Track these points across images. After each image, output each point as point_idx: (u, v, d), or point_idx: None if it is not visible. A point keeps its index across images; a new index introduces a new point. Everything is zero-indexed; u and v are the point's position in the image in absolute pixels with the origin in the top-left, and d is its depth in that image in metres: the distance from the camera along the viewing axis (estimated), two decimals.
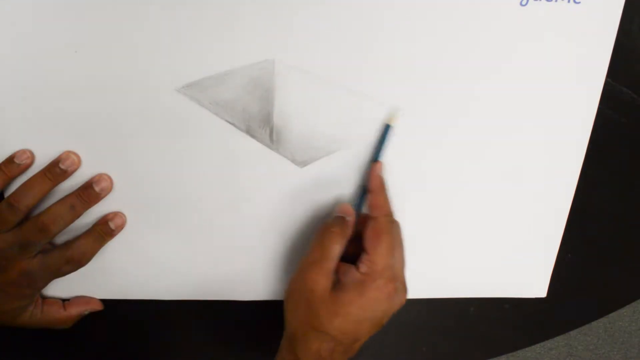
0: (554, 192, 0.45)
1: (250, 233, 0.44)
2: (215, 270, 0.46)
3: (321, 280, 0.38)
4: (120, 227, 0.42)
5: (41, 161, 0.40)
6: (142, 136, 0.40)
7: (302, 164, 0.42)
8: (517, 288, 0.49)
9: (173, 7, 0.37)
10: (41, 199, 0.40)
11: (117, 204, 0.42)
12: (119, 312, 0.47)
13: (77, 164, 0.40)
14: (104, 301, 0.46)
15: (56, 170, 0.39)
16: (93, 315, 0.46)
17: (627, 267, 0.52)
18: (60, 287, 0.45)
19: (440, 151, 0.43)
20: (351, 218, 0.40)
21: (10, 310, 0.41)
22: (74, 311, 0.44)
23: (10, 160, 0.39)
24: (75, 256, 0.41)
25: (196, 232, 0.44)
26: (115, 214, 0.42)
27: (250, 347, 0.51)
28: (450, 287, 0.49)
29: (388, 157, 0.42)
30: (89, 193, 0.40)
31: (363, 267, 0.38)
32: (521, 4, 0.38)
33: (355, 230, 0.41)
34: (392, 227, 0.39)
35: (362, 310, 0.38)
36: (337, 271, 0.39)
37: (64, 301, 0.45)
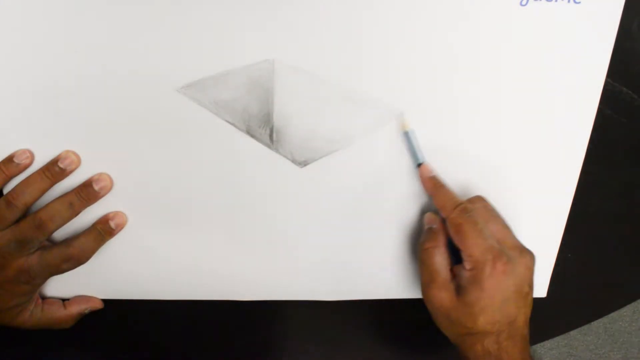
0: (554, 192, 0.45)
1: (250, 233, 0.44)
2: (215, 270, 0.46)
3: (442, 295, 0.39)
4: (121, 226, 0.42)
5: (41, 161, 0.40)
6: (142, 136, 0.40)
7: (302, 164, 0.42)
8: None
9: (173, 7, 0.37)
10: (39, 197, 0.40)
11: (117, 203, 0.42)
12: (119, 312, 0.47)
13: (76, 164, 0.40)
14: (104, 301, 0.46)
15: (55, 169, 0.39)
16: (93, 315, 0.46)
17: (627, 267, 0.52)
18: (60, 287, 0.45)
19: (440, 151, 0.43)
20: (437, 225, 0.42)
21: (9, 308, 0.41)
22: (74, 310, 0.45)
23: (9, 159, 0.39)
24: (75, 254, 0.41)
25: (196, 232, 0.44)
26: (116, 214, 0.42)
27: (250, 347, 0.51)
28: None
29: (387, 157, 0.42)
30: (88, 191, 0.40)
31: (467, 264, 0.39)
32: (521, 4, 0.38)
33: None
34: (466, 215, 0.39)
35: (494, 299, 0.38)
36: (455, 276, 0.40)
37: (64, 301, 0.45)
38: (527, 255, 0.40)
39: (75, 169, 0.40)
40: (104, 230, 0.42)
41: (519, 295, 0.39)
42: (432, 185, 0.42)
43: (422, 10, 0.38)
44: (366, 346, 0.53)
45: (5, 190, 0.40)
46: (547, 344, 1.20)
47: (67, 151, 0.40)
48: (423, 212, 0.45)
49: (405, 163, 0.43)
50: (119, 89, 0.39)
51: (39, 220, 0.39)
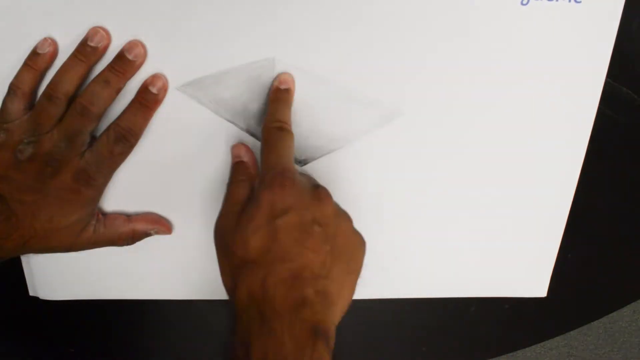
0: (554, 192, 0.45)
1: None
2: (215, 270, 0.46)
3: (226, 219, 0.35)
4: (164, 90, 0.39)
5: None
6: (142, 135, 0.40)
7: (302, 163, 0.42)
8: (517, 288, 0.49)
9: (173, 6, 0.37)
10: (79, 85, 0.38)
11: (116, 203, 0.42)
12: (117, 313, 0.47)
13: (108, 39, 0.37)
14: (104, 301, 0.46)
15: (87, 50, 0.37)
16: (94, 315, 0.46)
17: (627, 267, 0.52)
18: (61, 288, 0.45)
19: (440, 151, 0.43)
20: (246, 158, 0.39)
21: (71, 224, 0.38)
22: (140, 227, 0.42)
23: (33, 53, 0.37)
24: (122, 130, 0.38)
25: (196, 232, 0.44)
26: (154, 77, 0.38)
27: None
28: (450, 287, 0.49)
29: (387, 157, 0.42)
30: (123, 62, 0.37)
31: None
32: (522, 4, 0.38)
33: None
34: (281, 132, 0.35)
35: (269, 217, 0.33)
36: None
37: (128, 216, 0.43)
38: (323, 193, 0.34)
39: (107, 44, 0.37)
40: (146, 99, 0.38)
41: (301, 227, 0.32)
42: (275, 96, 0.38)
43: (422, 10, 0.38)
44: (366, 346, 0.53)
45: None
46: (547, 344, 1.20)
47: (96, 27, 0.37)
48: (423, 212, 0.45)
49: (404, 163, 0.43)
50: None
51: (81, 107, 0.37)
